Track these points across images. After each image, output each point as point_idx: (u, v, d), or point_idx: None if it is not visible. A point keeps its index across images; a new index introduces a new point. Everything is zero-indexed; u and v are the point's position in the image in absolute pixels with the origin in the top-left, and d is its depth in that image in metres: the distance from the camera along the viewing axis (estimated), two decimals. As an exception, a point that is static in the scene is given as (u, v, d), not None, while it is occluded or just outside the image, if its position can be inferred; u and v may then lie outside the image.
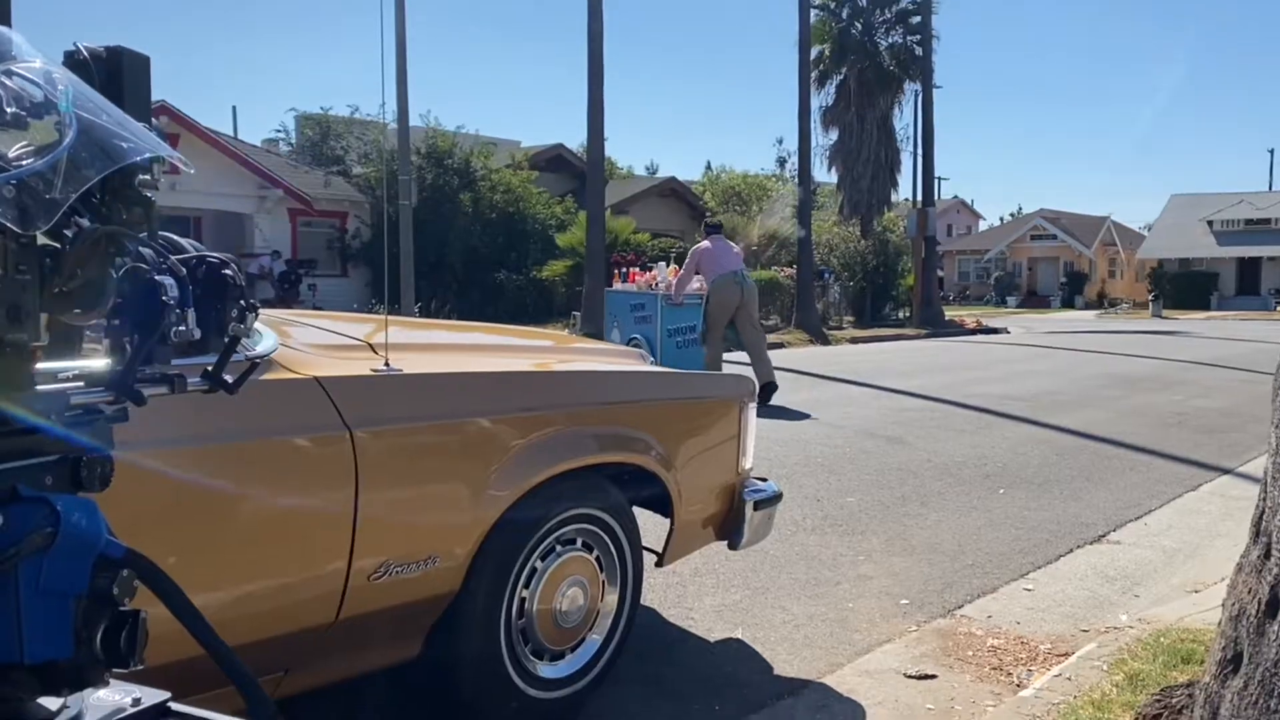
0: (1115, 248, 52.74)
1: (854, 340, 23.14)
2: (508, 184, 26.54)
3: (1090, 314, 42.10)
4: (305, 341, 2.63)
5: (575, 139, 32.79)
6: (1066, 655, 3.56)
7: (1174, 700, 1.82)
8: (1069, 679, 3.17)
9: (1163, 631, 3.55)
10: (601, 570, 3.13)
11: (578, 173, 28.86)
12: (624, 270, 15.70)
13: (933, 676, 3.44)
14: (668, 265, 14.51)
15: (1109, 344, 21.18)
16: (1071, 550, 5.08)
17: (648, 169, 49.22)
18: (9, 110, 0.96)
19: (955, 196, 63.56)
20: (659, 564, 3.48)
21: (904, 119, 31.67)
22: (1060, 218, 52.84)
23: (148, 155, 1.00)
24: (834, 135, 30.27)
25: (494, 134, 30.13)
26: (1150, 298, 42.15)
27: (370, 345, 2.76)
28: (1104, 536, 5.36)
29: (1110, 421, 9.47)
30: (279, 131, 31.60)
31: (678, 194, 34.01)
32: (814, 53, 27.39)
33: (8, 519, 0.95)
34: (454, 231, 24.44)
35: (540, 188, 27.68)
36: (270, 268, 22.99)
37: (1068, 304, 48.33)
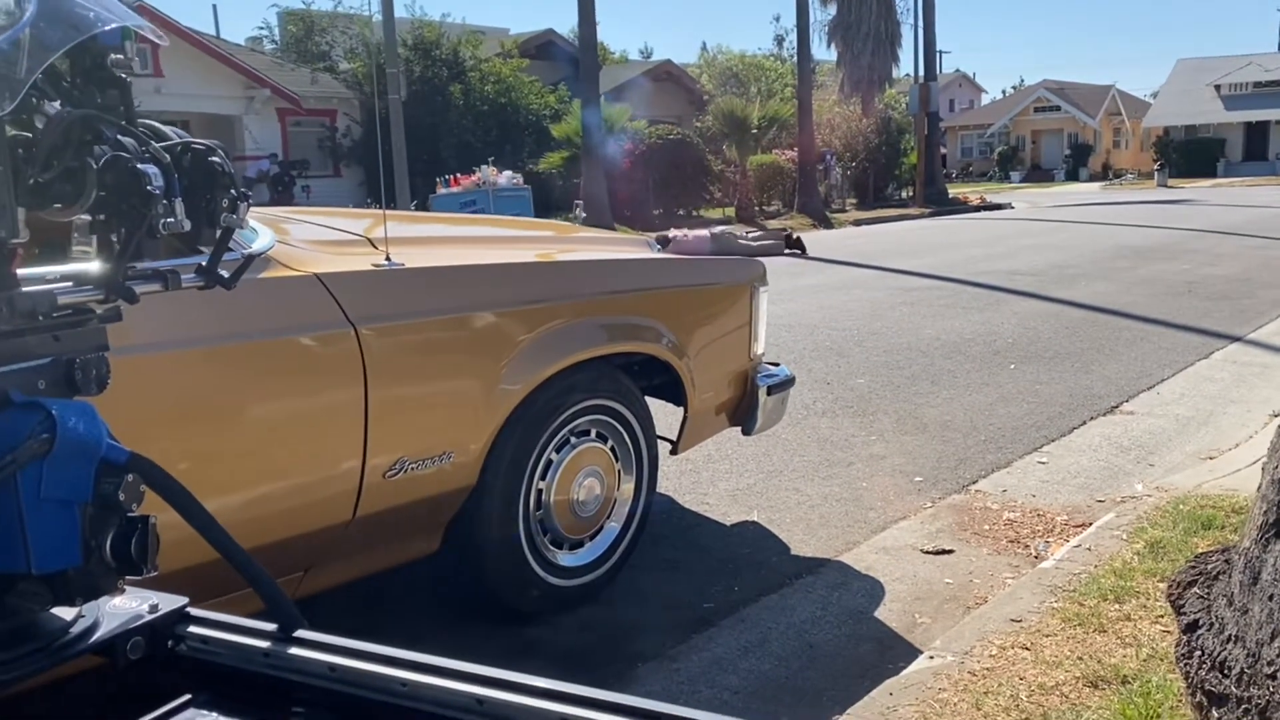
0: (1120, 117, 51.70)
1: (857, 223, 22.92)
2: (498, 74, 25.90)
3: (1095, 186, 41.55)
4: (303, 238, 2.56)
5: (565, 24, 31.94)
6: (1084, 526, 3.57)
7: (1209, 567, 1.80)
8: (1088, 549, 3.18)
9: (1181, 499, 3.55)
10: (617, 460, 3.12)
11: (570, 59, 28.10)
12: (446, 178, 17.15)
13: (950, 551, 3.45)
14: (489, 165, 16.57)
15: (1115, 215, 20.94)
16: (1084, 422, 5.07)
17: (642, 53, 48.00)
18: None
19: (957, 70, 62.01)
20: (674, 452, 3.46)
21: (903, -10, 30.72)
22: (1064, 88, 51.67)
23: (116, 25, 0.92)
24: (833, 10, 29.45)
25: (481, 22, 29.37)
26: (1156, 167, 41.46)
27: (370, 240, 2.68)
28: (1116, 407, 5.35)
29: (1119, 293, 9.39)
30: (262, 29, 30.88)
31: (674, 78, 33.21)
32: (809, -78, 26.37)
33: (0, 426, 0.90)
34: (446, 125, 23.96)
35: (532, 76, 27.01)
36: (268, 171, 22.65)
37: (1072, 177, 47.62)
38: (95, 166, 0.96)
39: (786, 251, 14.34)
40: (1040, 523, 3.70)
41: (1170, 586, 1.91)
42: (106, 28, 0.91)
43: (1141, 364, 6.36)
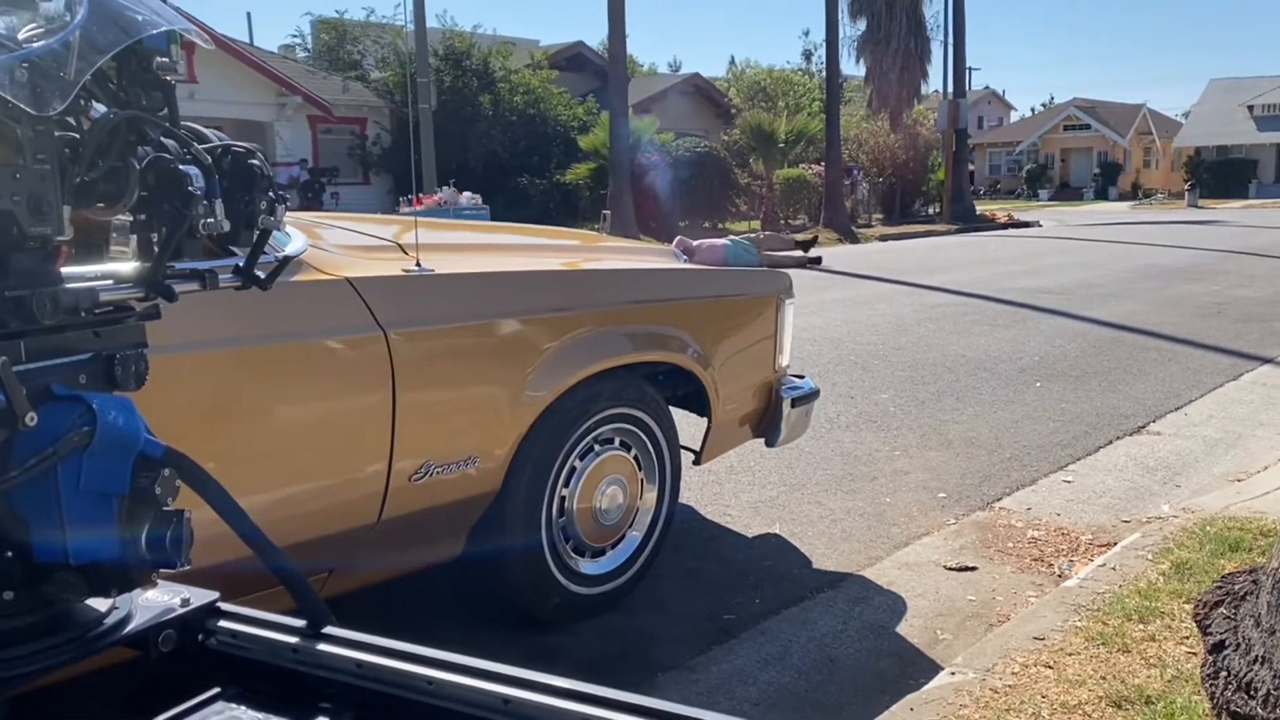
0: (1151, 136, 51.33)
1: (883, 238, 22.86)
2: (527, 85, 26.04)
3: (1124, 205, 41.23)
4: (334, 243, 2.58)
5: (595, 37, 32.11)
6: (1109, 546, 3.54)
7: (1236, 587, 1.78)
8: (1113, 569, 3.15)
9: (1208, 520, 3.51)
10: (640, 468, 3.12)
11: (599, 71, 28.26)
12: (408, 198, 18.08)
13: (973, 568, 3.43)
14: (450, 186, 17.57)
15: (1144, 235, 20.78)
16: (1111, 442, 5.03)
17: (670, 66, 48.19)
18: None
19: (986, 87, 61.76)
20: (696, 462, 3.46)
21: (934, 6, 30.83)
22: (1094, 107, 51.35)
23: (165, 28, 0.94)
24: (862, 25, 29.41)
25: (511, 33, 29.55)
26: (1186, 187, 41.08)
27: (400, 246, 2.70)
28: (1143, 427, 5.30)
29: (1147, 313, 9.32)
30: (295, 37, 31.19)
31: (702, 91, 33.26)
32: (841, -62, 26.40)
33: (42, 419, 0.92)
34: (474, 135, 24.10)
35: (561, 88, 27.14)
36: (299, 177, 22.86)
37: (1101, 196, 47.28)
38: (138, 167, 0.98)
39: (809, 264, 14.54)
40: (1065, 541, 3.68)
41: (1196, 607, 1.89)
42: (155, 31, 0.93)
43: (1169, 384, 6.30)
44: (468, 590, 2.99)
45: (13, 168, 0.90)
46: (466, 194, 17.51)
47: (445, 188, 17.76)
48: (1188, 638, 2.54)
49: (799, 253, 15.48)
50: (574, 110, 26.69)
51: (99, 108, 0.99)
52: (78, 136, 0.96)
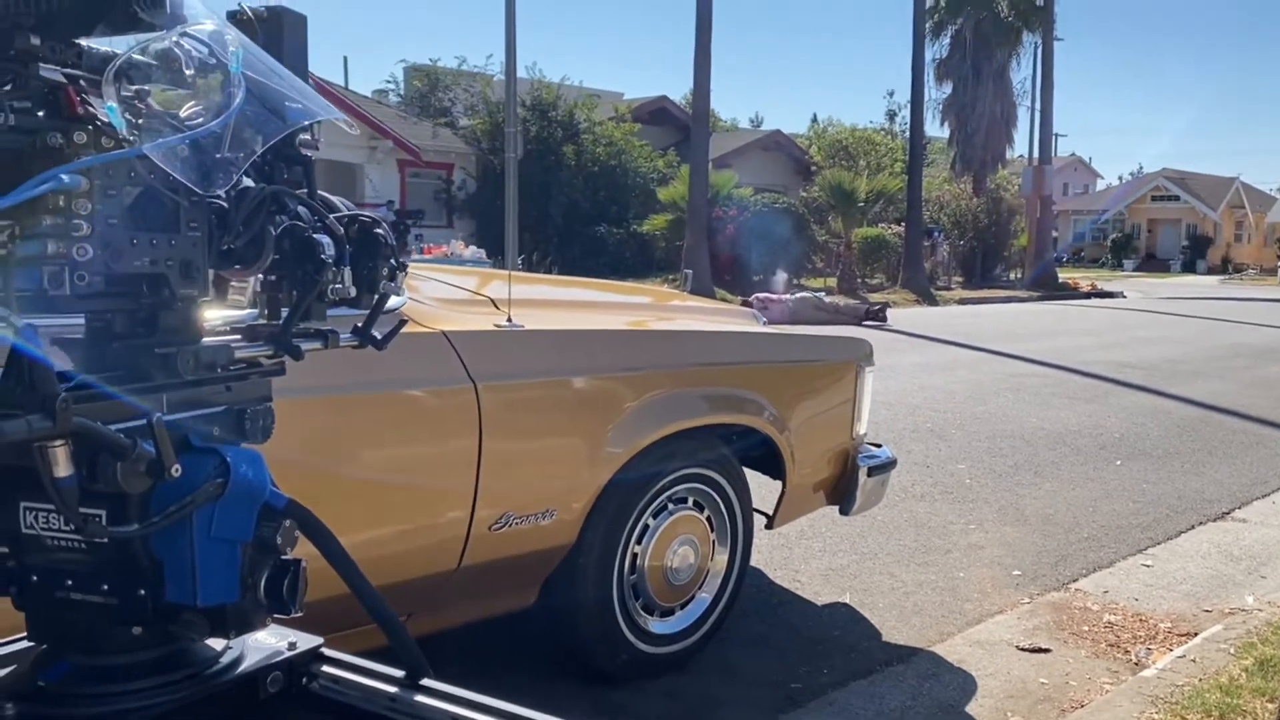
0: (1243, 210, 50.11)
1: (962, 301, 22.62)
2: (610, 137, 26.47)
3: (1213, 279, 40.25)
4: (431, 296, 2.67)
5: (678, 91, 32.53)
6: (1188, 636, 3.45)
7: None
8: (1193, 661, 3.07)
9: (1295, 617, 3.41)
10: (712, 530, 3.14)
11: (681, 125, 28.61)
12: (419, 246, 18.85)
13: (1046, 650, 3.37)
14: (456, 239, 18.84)
15: (1233, 312, 20.23)
16: (1193, 527, 4.90)
17: (752, 121, 48.42)
18: (187, 74, 0.98)
19: (1073, 154, 61.03)
20: (769, 526, 3.47)
21: (1021, 72, 30.76)
22: (1184, 178, 50.39)
23: (320, 118, 1.02)
24: (947, 89, 29.44)
25: (597, 86, 30.08)
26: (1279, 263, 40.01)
27: (492, 300, 2.79)
28: (1228, 514, 5.16)
29: (1235, 393, 9.06)
30: (389, 82, 32.02)
31: (782, 147, 33.44)
32: (929, 1, 26.55)
33: (181, 468, 0.98)
34: (556, 184, 24.54)
35: (642, 140, 27.52)
36: (385, 218, 23.51)
37: (1188, 268, 46.25)
38: (274, 233, 1.06)
39: (865, 323, 14.66)
40: (1143, 628, 3.59)
41: (1283, 711, 1.84)
42: (309, 121, 1.00)
43: (1256, 470, 6.12)
44: (537, 640, 3.02)
45: (169, 235, 0.98)
46: (471, 248, 18.91)
47: (453, 240, 19.09)
48: (1272, 739, 2.47)
49: (870, 309, 15.77)
50: (655, 162, 27.03)
51: (245, 180, 1.07)
52: (225, 205, 1.04)
